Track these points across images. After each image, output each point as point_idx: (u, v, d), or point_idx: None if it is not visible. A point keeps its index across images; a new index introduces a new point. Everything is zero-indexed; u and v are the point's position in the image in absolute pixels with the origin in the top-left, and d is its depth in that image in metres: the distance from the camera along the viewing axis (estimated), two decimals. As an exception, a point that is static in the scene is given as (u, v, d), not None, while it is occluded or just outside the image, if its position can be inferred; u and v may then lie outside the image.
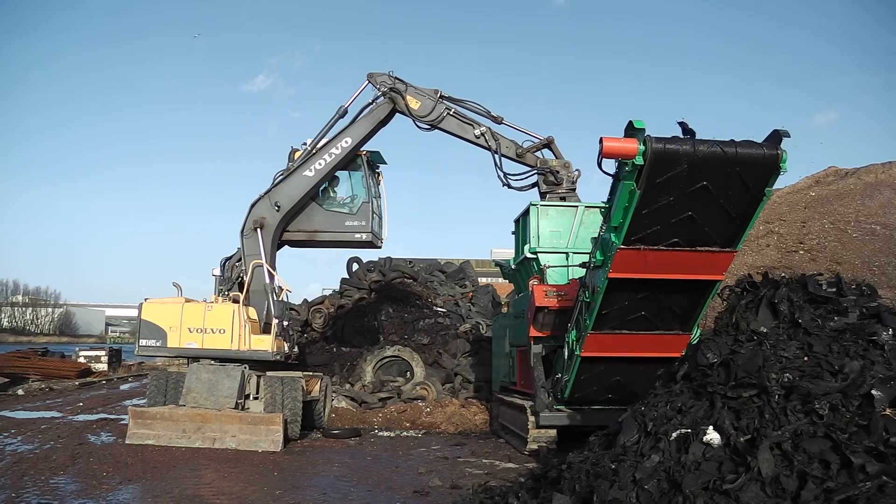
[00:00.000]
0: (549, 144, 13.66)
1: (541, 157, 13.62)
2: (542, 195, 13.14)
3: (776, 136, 7.36)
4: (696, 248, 8.03)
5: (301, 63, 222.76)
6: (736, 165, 7.30)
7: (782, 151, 7.31)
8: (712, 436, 5.22)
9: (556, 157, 13.50)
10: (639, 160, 7.20)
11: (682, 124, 7.37)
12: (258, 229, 13.63)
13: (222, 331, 12.58)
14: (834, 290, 6.31)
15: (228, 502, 7.70)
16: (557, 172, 13.10)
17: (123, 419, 13.61)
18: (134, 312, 13.64)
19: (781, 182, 7.80)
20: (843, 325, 5.81)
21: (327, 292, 22.66)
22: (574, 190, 13.13)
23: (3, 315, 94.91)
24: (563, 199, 12.92)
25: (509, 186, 13.70)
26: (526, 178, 13.64)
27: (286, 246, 14.75)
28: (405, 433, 13.99)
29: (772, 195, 8.09)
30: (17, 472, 9.01)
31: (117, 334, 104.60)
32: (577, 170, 13.27)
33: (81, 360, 29.85)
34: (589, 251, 9.15)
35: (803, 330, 5.81)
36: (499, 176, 13.65)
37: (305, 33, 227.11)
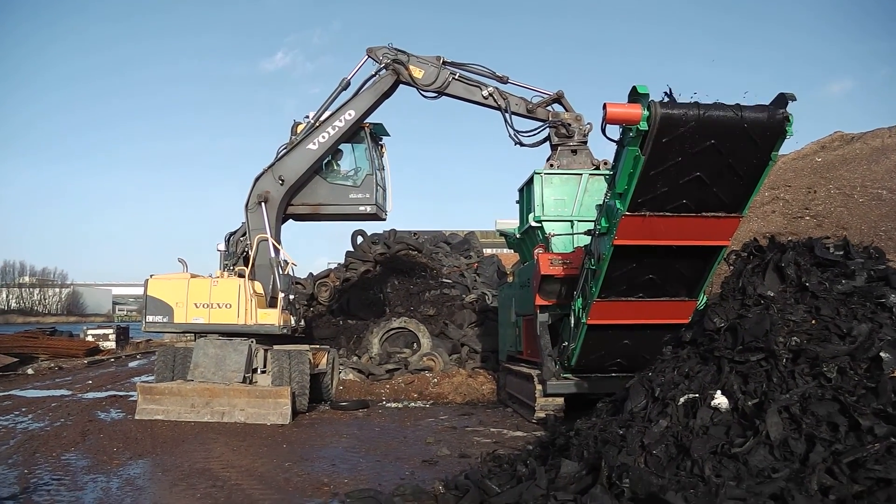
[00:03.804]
0: (559, 99, 13.42)
1: (552, 110, 13.41)
2: (554, 147, 12.94)
3: (782, 100, 7.26)
4: (701, 213, 7.96)
5: (320, 40, 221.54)
6: (742, 128, 7.22)
7: (788, 115, 7.23)
8: (720, 400, 5.22)
9: (567, 111, 13.31)
10: (643, 125, 7.12)
11: (667, 94, 7.26)
12: (262, 203, 13.59)
13: (228, 305, 12.58)
14: (841, 253, 6.26)
15: (238, 475, 7.76)
16: (569, 125, 12.88)
17: (132, 395, 13.68)
18: (140, 291, 13.63)
19: (787, 148, 7.73)
20: (850, 288, 5.77)
21: (333, 266, 22.64)
22: (586, 143, 12.93)
23: (10, 296, 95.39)
24: (574, 151, 12.75)
25: (521, 144, 13.44)
26: (537, 133, 13.40)
27: (291, 220, 14.71)
28: (413, 404, 14.07)
29: (777, 160, 8.00)
30: (28, 449, 9.08)
31: (125, 313, 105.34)
32: (588, 123, 13.01)
33: (89, 338, 30.02)
34: (594, 219, 9.09)
35: (811, 293, 5.77)
36: (510, 135, 13.40)
37: (325, 10, 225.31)
